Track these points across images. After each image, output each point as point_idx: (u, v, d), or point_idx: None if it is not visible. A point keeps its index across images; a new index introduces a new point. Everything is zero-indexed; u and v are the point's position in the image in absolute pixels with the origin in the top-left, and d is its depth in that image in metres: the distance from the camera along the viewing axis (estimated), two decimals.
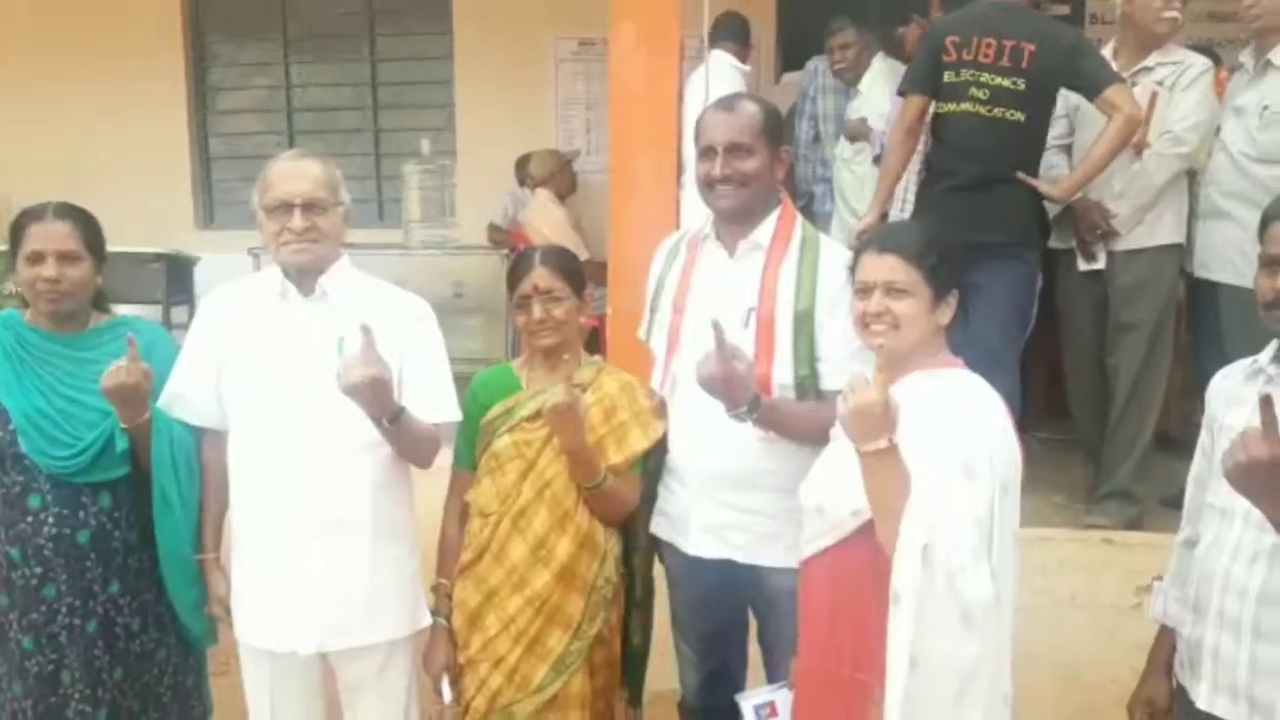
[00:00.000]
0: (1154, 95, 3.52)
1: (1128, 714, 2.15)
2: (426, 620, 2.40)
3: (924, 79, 3.57)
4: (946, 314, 2.00)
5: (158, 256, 4.90)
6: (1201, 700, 1.90)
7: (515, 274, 2.39)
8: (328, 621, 2.27)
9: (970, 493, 1.79)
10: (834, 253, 2.29)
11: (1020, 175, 3.44)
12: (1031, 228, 3.53)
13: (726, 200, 2.28)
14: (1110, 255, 3.61)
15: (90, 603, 2.33)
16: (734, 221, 2.32)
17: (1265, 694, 1.79)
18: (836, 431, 1.98)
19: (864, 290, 1.99)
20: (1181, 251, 3.64)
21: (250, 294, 2.35)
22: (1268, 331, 1.89)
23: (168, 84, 6.63)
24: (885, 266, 1.96)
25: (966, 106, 3.45)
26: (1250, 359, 1.96)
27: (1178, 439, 4.24)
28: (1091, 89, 3.39)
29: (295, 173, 2.23)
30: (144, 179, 6.35)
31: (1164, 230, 3.59)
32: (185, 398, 2.35)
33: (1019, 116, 3.40)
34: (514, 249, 5.19)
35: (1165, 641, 2.10)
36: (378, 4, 6.56)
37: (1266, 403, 1.59)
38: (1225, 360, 2.06)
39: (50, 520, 2.30)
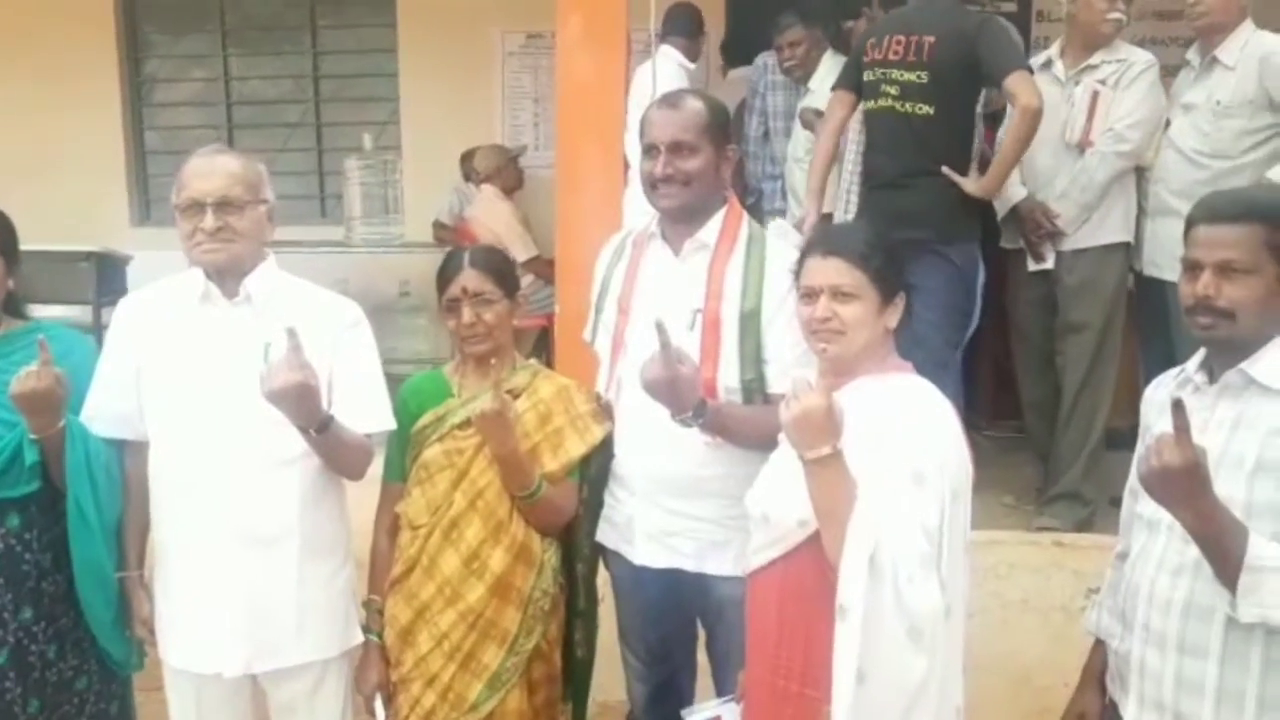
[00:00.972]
0: (1095, 94, 3.52)
1: None
2: (358, 638, 2.31)
3: (847, 77, 3.69)
4: (894, 317, 1.95)
5: (87, 255, 4.68)
6: (1129, 715, 1.86)
7: (444, 276, 2.31)
8: (254, 641, 2.17)
9: (919, 500, 1.74)
10: (781, 252, 2.24)
11: (945, 170, 3.42)
12: (955, 224, 3.46)
13: (669, 200, 2.23)
14: (1058, 255, 3.61)
15: (0, 631, 2.19)
16: (678, 221, 2.28)
17: (1190, 709, 1.75)
18: (784, 437, 1.93)
19: (809, 295, 1.93)
20: (1129, 250, 3.64)
21: (170, 296, 2.24)
22: (1196, 337, 1.85)
23: (101, 76, 6.39)
24: (830, 270, 1.91)
25: (882, 103, 3.50)
26: (1179, 368, 1.93)
27: (1128, 437, 4.26)
28: (993, 77, 3.38)
29: (208, 170, 2.13)
30: (77, 175, 6.14)
31: (1110, 229, 3.58)
32: (105, 409, 2.23)
33: (928, 110, 3.41)
34: (460, 246, 5.06)
35: (1098, 655, 2.07)
36: None
37: (1178, 407, 1.56)
38: (1172, 360, 2.03)
39: None
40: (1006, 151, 3.40)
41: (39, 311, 4.39)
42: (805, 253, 2.00)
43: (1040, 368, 3.77)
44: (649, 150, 2.24)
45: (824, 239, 2.04)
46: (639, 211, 2.68)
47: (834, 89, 3.74)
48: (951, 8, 3.49)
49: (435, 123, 6.02)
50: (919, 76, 3.40)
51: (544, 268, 5.04)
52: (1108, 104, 3.50)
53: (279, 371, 1.96)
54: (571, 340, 2.86)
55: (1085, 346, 3.59)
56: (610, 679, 2.53)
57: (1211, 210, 1.83)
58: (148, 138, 6.65)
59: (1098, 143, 3.50)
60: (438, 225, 5.81)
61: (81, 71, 6.30)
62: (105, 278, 4.74)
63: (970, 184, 3.46)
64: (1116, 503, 3.59)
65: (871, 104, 3.55)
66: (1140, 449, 1.99)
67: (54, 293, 4.49)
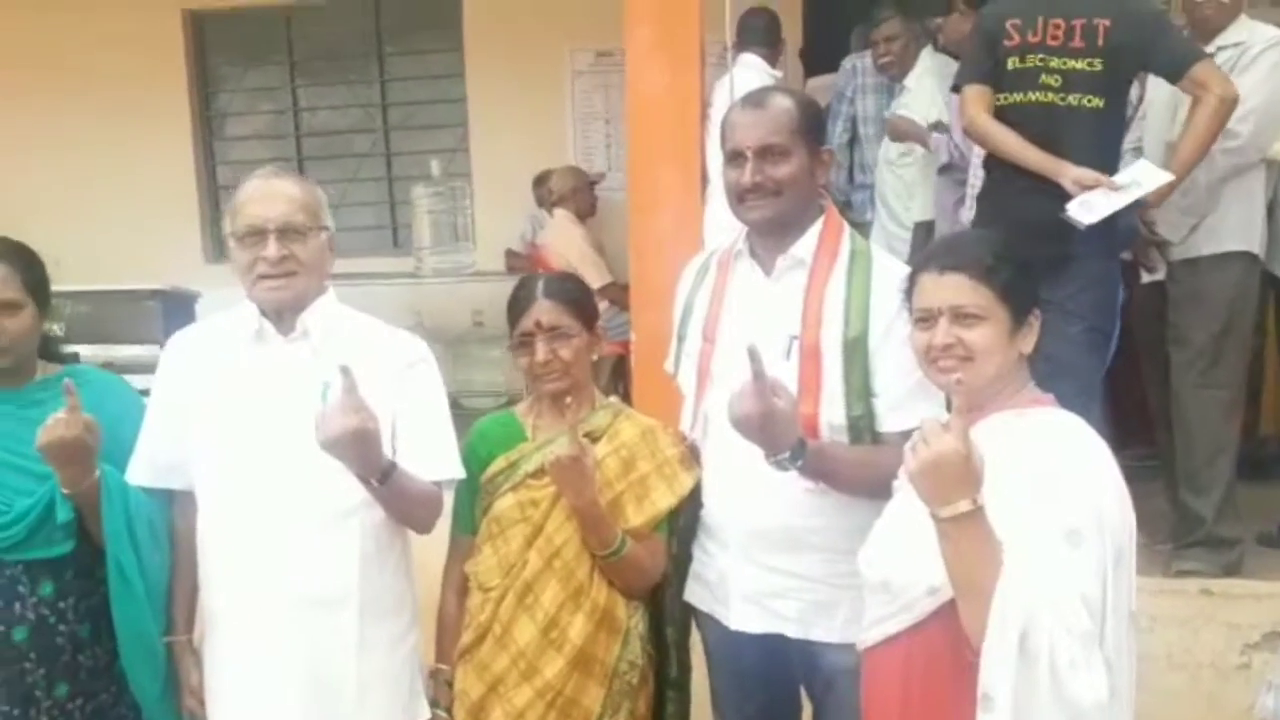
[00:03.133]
0: None
1: None
2: (425, 713, 2.08)
3: (979, 69, 3.19)
4: (1029, 340, 1.68)
5: (154, 293, 4.61)
6: None
7: (515, 308, 2.10)
8: (311, 715, 1.95)
9: (1077, 565, 1.46)
10: (889, 268, 1.99)
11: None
12: (1111, 234, 3.08)
13: (759, 211, 1.98)
14: (1169, 265, 3.29)
15: (32, 710, 2.00)
16: (770, 235, 2.03)
17: None
18: (901, 483, 1.66)
19: (926, 318, 1.67)
20: (1249, 260, 3.26)
21: (221, 334, 2.06)
22: None
23: (172, 110, 6.41)
24: (950, 288, 1.64)
25: (1036, 96, 3.06)
26: None
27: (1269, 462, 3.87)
28: (1175, 68, 3.01)
29: (269, 193, 1.95)
30: (148, 211, 6.13)
31: (1225, 236, 3.21)
32: (150, 457, 2.06)
33: (1098, 103, 3.00)
34: (532, 274, 4.90)
35: None
36: (385, 22, 6.33)
37: None
38: None
39: None
40: (1189, 153, 3.03)
41: (108, 353, 4.42)
42: (917, 269, 1.74)
43: (1162, 383, 3.43)
44: (733, 157, 2.00)
45: (939, 251, 1.76)
46: (720, 230, 2.43)
47: (968, 83, 3.23)
48: None
49: (505, 147, 5.90)
50: (1090, 64, 2.99)
51: (619, 294, 4.86)
52: None
53: (334, 416, 1.77)
54: (649, 371, 2.66)
55: (1189, 365, 3.24)
56: None
57: None
58: (220, 172, 6.65)
59: None
60: (510, 254, 5.67)
61: (152, 107, 6.31)
62: (173, 316, 4.64)
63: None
64: (1265, 540, 3.28)
65: (1019, 97, 3.09)
66: None
67: (120, 332, 4.46)
